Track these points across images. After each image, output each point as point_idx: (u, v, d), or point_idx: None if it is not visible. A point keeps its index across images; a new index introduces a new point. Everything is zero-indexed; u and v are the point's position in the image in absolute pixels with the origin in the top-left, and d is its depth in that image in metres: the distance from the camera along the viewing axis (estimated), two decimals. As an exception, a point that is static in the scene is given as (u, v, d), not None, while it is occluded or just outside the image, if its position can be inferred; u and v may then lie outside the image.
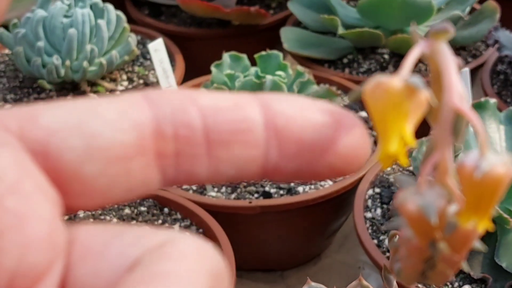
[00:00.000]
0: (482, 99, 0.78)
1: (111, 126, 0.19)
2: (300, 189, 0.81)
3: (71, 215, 0.72)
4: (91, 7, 0.91)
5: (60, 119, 0.19)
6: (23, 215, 0.18)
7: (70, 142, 0.19)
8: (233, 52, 0.88)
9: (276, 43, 1.01)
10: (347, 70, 1.01)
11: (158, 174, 0.20)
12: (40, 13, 0.88)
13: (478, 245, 0.23)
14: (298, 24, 1.06)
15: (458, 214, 0.21)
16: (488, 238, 0.72)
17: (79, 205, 0.20)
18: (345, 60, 1.02)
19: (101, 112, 0.19)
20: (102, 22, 0.89)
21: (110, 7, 0.92)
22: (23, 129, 0.19)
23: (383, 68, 1.00)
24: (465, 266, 0.24)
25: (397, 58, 1.01)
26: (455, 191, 0.22)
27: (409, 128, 0.20)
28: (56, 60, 0.87)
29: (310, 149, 0.21)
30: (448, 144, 0.21)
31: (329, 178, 0.22)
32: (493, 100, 0.78)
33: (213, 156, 0.20)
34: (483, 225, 0.21)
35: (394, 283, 0.42)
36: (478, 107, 0.78)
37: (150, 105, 0.20)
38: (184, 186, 0.82)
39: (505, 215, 0.67)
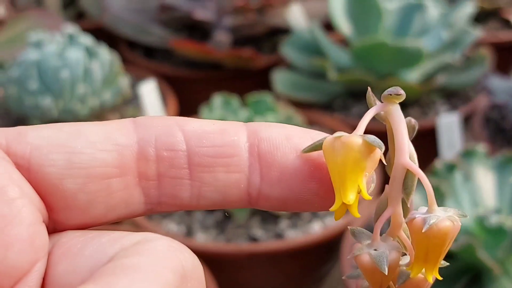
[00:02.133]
0: (471, 147, 0.78)
1: (93, 146, 0.20)
2: (290, 234, 0.81)
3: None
4: (85, 49, 0.91)
5: (44, 136, 0.20)
6: (6, 217, 0.19)
7: (51, 156, 0.20)
8: (223, 94, 0.88)
9: (269, 86, 1.02)
10: (339, 113, 1.01)
11: (141, 196, 0.21)
12: (34, 54, 0.89)
13: None
14: (290, 67, 1.07)
15: (409, 265, 0.22)
16: (474, 285, 0.72)
17: (62, 220, 0.20)
18: (337, 103, 1.03)
19: (84, 133, 0.20)
20: (95, 65, 0.90)
21: (103, 49, 0.93)
22: (9, 144, 0.20)
23: (374, 112, 1.00)
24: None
25: (389, 102, 1.01)
26: (407, 244, 0.23)
27: (364, 182, 0.21)
28: (49, 101, 0.87)
29: (293, 176, 0.21)
30: (399, 200, 0.22)
31: (319, 208, 0.22)
32: (482, 148, 0.78)
33: (196, 179, 0.21)
34: (432, 276, 0.22)
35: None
36: (467, 154, 0.78)
37: (136, 128, 0.21)
38: (172, 229, 0.82)
39: (492, 264, 0.67)
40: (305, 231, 0.81)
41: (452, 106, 1.02)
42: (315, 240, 0.77)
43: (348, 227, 0.24)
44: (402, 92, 0.23)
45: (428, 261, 0.21)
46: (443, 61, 0.99)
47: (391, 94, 0.22)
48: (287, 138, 0.21)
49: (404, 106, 1.06)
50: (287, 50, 1.04)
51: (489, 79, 0.95)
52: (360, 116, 1.11)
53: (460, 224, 0.22)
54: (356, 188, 0.21)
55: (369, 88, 0.24)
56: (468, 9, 1.03)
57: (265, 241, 0.80)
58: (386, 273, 0.21)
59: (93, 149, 0.20)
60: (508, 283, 0.71)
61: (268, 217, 0.84)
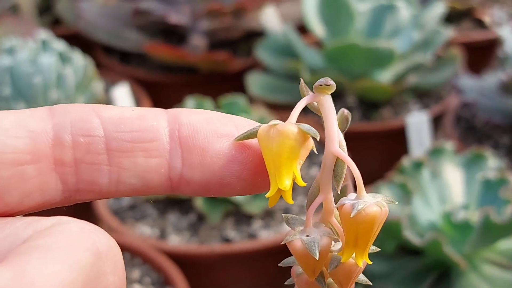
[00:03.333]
0: (439, 144, 0.79)
1: (4, 132, 0.20)
2: (263, 234, 0.81)
3: None
4: (59, 55, 0.92)
5: None
6: None
7: None
8: (196, 96, 0.89)
9: (244, 89, 1.02)
10: (313, 114, 1.02)
11: (58, 182, 0.21)
12: (7, 61, 0.89)
13: (362, 278, 0.24)
14: (265, 69, 1.08)
15: (340, 250, 0.23)
16: (442, 281, 0.73)
17: None
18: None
19: None
20: (68, 70, 0.90)
21: (77, 54, 0.93)
22: None
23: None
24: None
25: (361, 103, 1.02)
26: (339, 230, 0.23)
27: (298, 169, 0.22)
28: (22, 107, 0.88)
29: (215, 159, 0.21)
30: (330, 187, 0.23)
31: (242, 192, 0.22)
32: (450, 145, 0.79)
33: (114, 165, 0.21)
34: (362, 260, 0.22)
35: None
36: (436, 152, 0.79)
37: (51, 115, 0.21)
38: (146, 232, 0.82)
39: (458, 259, 0.68)
40: (277, 231, 0.81)
41: (424, 105, 1.03)
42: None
43: (282, 214, 0.24)
44: (331, 82, 0.23)
45: (358, 246, 0.22)
46: (415, 62, 1.00)
47: (321, 85, 0.23)
48: (207, 122, 0.22)
49: (376, 106, 1.07)
50: (262, 53, 1.05)
51: (460, 78, 0.96)
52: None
53: (388, 209, 0.22)
54: (291, 175, 0.21)
55: (302, 79, 0.24)
56: (439, 10, 1.04)
57: (238, 241, 0.80)
58: (317, 258, 0.22)
59: (4, 136, 0.20)
60: (475, 278, 0.72)
61: (241, 218, 0.84)
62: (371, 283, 0.25)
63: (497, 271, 0.73)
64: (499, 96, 0.91)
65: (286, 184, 0.21)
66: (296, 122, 0.23)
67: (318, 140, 0.22)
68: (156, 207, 0.86)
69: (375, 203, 0.22)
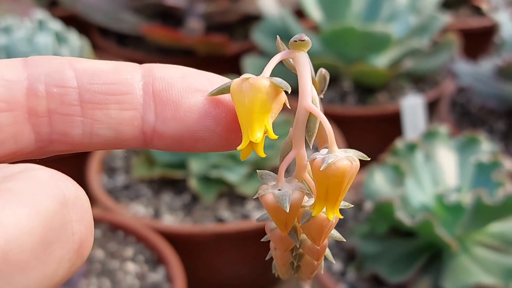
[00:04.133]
0: (433, 127, 0.79)
1: None
2: (256, 215, 0.81)
3: None
4: (55, 35, 0.92)
5: None
6: None
7: None
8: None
9: (240, 72, 1.02)
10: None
11: (31, 132, 0.21)
12: (3, 40, 0.89)
13: (335, 234, 0.24)
14: (262, 53, 1.08)
15: (312, 205, 0.23)
16: (433, 262, 0.73)
17: None
18: (322, 95, 1.04)
19: None
20: (64, 50, 0.90)
21: (73, 35, 0.93)
22: None
23: (343, 97, 1.01)
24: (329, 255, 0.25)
25: (357, 87, 1.03)
26: (312, 185, 0.23)
27: (270, 123, 0.22)
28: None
29: (188, 113, 0.21)
30: (303, 142, 0.23)
31: (216, 147, 0.22)
32: (444, 129, 0.79)
33: (88, 117, 0.21)
34: (333, 215, 0.22)
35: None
36: (430, 135, 0.79)
37: (26, 66, 0.21)
38: (140, 212, 0.83)
39: (449, 240, 0.68)
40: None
41: (420, 90, 1.03)
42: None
43: (257, 170, 0.24)
44: (306, 38, 0.23)
45: (329, 200, 0.22)
46: (411, 46, 1.00)
47: (296, 41, 0.23)
48: (182, 77, 0.22)
49: (372, 90, 1.07)
50: (258, 37, 1.05)
51: (455, 63, 0.96)
52: (330, 100, 1.11)
53: (359, 164, 0.22)
54: (263, 128, 0.22)
55: (278, 37, 0.24)
56: (437, -5, 1.04)
57: (231, 222, 0.81)
58: (288, 211, 0.22)
59: None
60: (466, 260, 0.72)
61: (235, 199, 0.85)
62: (344, 240, 0.25)
63: (488, 253, 0.73)
64: (494, 81, 0.92)
65: (258, 136, 0.21)
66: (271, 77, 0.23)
67: (289, 92, 0.22)
68: (151, 187, 0.86)
69: (345, 157, 0.22)
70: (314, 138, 0.23)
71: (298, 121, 0.23)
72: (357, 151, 0.23)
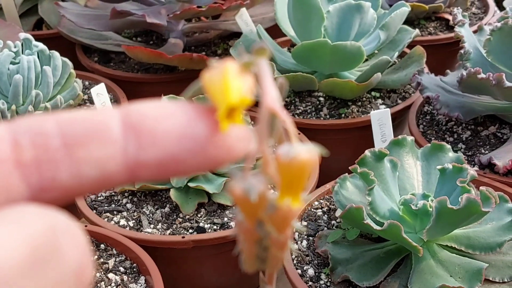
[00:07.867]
0: (400, 137, 0.83)
1: None
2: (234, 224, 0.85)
3: None
4: (38, 54, 0.96)
5: None
6: None
7: None
8: (171, 95, 0.93)
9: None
10: (285, 112, 1.06)
11: (22, 183, 0.21)
12: (-12, 60, 0.93)
13: (298, 226, 0.27)
14: (240, 69, 1.12)
15: (277, 197, 0.25)
16: (404, 266, 0.77)
17: None
18: (283, 102, 1.08)
19: None
20: (47, 68, 0.94)
21: (56, 54, 0.97)
22: None
23: (318, 109, 1.05)
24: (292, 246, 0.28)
25: (331, 100, 1.07)
26: (275, 178, 0.25)
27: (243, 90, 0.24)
28: (2, 104, 0.91)
29: (165, 138, 0.22)
30: (266, 139, 0.25)
31: (202, 167, 0.24)
32: (410, 138, 0.84)
33: (73, 159, 0.22)
34: (297, 203, 0.25)
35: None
36: (397, 144, 0.83)
37: (8, 123, 0.22)
38: (121, 223, 0.86)
39: (416, 244, 0.72)
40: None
41: (391, 102, 1.07)
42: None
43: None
44: (265, 46, 0.26)
45: (291, 191, 0.24)
46: (382, 60, 1.05)
47: (257, 48, 0.25)
48: (155, 107, 0.23)
49: (346, 103, 1.11)
50: (236, 53, 1.09)
51: (422, 75, 1.00)
52: (305, 113, 1.14)
53: (317, 156, 0.24)
54: (240, 93, 0.24)
55: (240, 46, 0.27)
56: (406, 10, 1.09)
57: (211, 231, 0.84)
58: (254, 201, 0.24)
59: None
60: (433, 263, 0.76)
61: (214, 209, 0.88)
62: (305, 229, 0.28)
63: (454, 257, 0.77)
64: (459, 92, 0.96)
65: (235, 97, 0.23)
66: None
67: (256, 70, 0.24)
68: (132, 199, 0.90)
69: (306, 150, 0.24)
70: (276, 134, 0.26)
71: (261, 119, 0.25)
72: (316, 145, 0.25)
